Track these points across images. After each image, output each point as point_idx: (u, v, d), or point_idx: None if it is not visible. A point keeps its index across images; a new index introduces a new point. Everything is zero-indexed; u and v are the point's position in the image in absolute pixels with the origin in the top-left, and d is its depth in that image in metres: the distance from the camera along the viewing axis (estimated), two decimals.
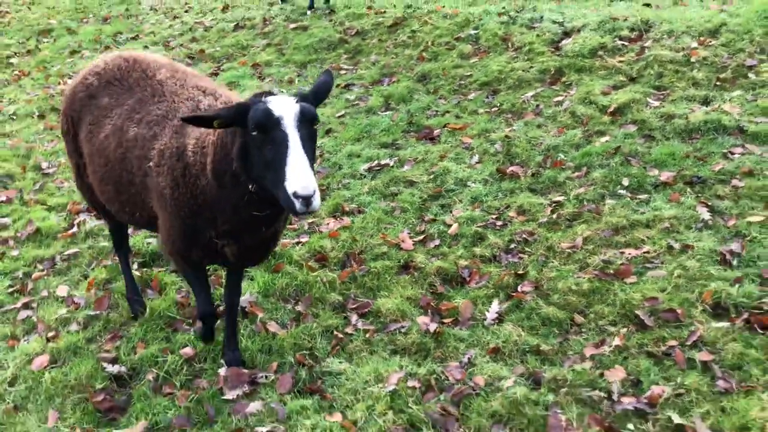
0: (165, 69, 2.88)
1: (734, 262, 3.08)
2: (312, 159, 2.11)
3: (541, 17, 5.84)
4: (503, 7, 6.25)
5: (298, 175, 1.98)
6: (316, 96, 2.29)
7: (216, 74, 6.08)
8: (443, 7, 6.64)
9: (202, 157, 2.37)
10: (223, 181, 2.28)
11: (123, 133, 2.70)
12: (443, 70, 5.45)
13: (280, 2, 7.73)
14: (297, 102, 2.12)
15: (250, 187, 2.20)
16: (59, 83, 5.97)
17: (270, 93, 2.23)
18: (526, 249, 3.39)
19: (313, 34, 6.54)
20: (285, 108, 2.09)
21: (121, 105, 2.80)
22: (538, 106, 4.75)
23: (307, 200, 1.98)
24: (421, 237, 3.59)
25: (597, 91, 4.68)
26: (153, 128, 2.62)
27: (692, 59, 4.81)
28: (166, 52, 6.67)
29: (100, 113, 2.85)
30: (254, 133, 2.10)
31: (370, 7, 6.92)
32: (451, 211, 3.79)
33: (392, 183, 4.14)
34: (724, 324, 2.74)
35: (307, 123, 2.10)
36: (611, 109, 4.46)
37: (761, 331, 2.69)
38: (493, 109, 4.85)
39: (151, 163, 2.55)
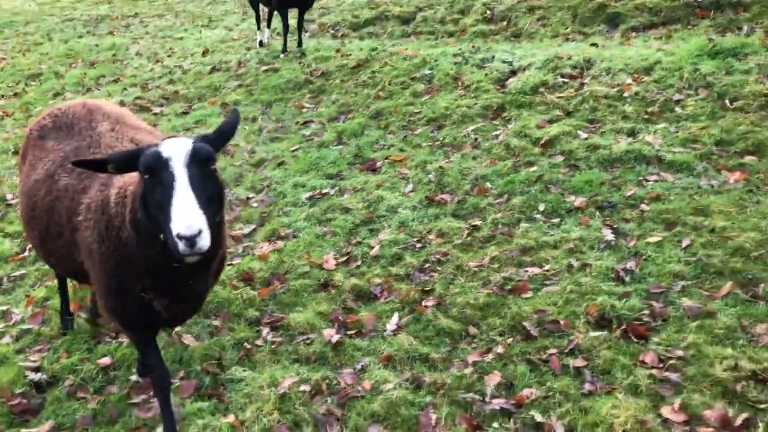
0: (109, 121, 2.89)
1: (627, 279, 3.26)
2: (208, 199, 2.05)
3: (493, 57, 6.13)
4: (460, 48, 6.56)
5: (182, 215, 1.93)
6: (220, 136, 2.26)
7: (186, 113, 6.41)
8: (406, 49, 6.97)
9: (122, 208, 2.32)
10: (139, 231, 2.21)
11: (54, 181, 2.70)
12: (396, 107, 5.73)
13: (258, 46, 8.11)
14: (191, 143, 2.09)
15: (160, 236, 2.09)
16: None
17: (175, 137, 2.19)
18: (438, 268, 3.59)
19: (282, 75, 6.88)
20: (175, 149, 2.05)
21: (59, 150, 2.81)
22: (476, 139, 4.99)
23: (190, 240, 1.92)
24: (345, 258, 3.80)
25: (532, 125, 4.92)
26: (83, 180, 2.59)
27: (625, 94, 5.05)
28: (142, 93, 7.02)
29: (39, 154, 2.88)
30: (146, 177, 2.07)
31: (338, 50, 7.26)
32: (377, 235, 4.00)
33: (329, 210, 4.36)
34: (602, 333, 2.91)
35: (200, 163, 2.06)
36: (543, 141, 4.69)
37: (635, 340, 2.86)
38: (435, 143, 5.10)
39: (80, 218, 2.53)
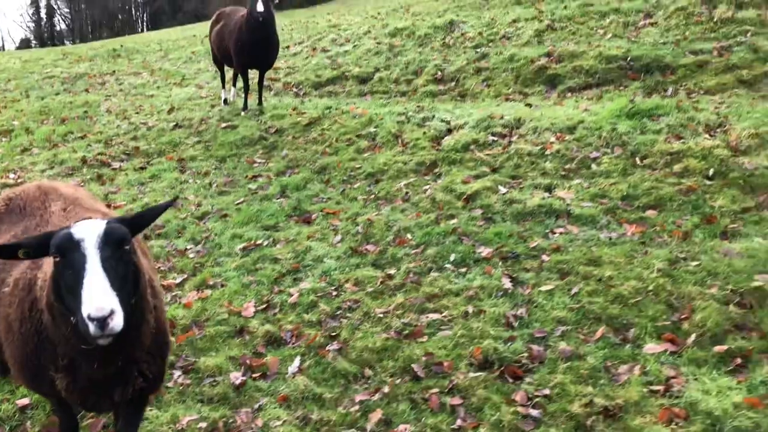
0: (62, 202, 2.90)
1: (515, 324, 3.51)
2: (121, 280, 2.04)
3: (433, 116, 6.51)
4: (405, 108, 6.95)
5: (93, 297, 1.91)
6: (138, 219, 2.23)
7: (144, 168, 6.72)
8: (357, 107, 7.35)
9: (43, 290, 2.26)
10: (53, 315, 2.18)
11: None
12: (339, 163, 6.06)
13: (222, 104, 8.50)
14: (105, 224, 2.08)
15: (72, 318, 2.06)
16: (1, 177, 6.61)
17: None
18: (348, 315, 3.84)
19: (238, 131, 7.23)
20: (87, 230, 2.04)
21: (8, 232, 2.81)
22: (407, 193, 5.29)
23: (101, 322, 1.89)
24: (265, 306, 4.04)
25: (458, 181, 5.24)
26: None
27: (547, 152, 5.40)
28: (104, 149, 7.35)
29: None
30: (57, 259, 2.04)
31: (294, 108, 7.64)
32: (299, 284, 4.25)
33: (260, 260, 4.63)
34: (482, 374, 3.15)
35: (113, 244, 2.04)
36: (466, 196, 5.00)
37: (511, 380, 3.10)
38: (370, 196, 5.40)
39: (6, 289, 2.50)
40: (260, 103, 8.04)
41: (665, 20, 7.89)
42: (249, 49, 7.62)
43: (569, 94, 6.94)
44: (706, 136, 5.08)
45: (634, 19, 8.17)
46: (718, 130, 5.14)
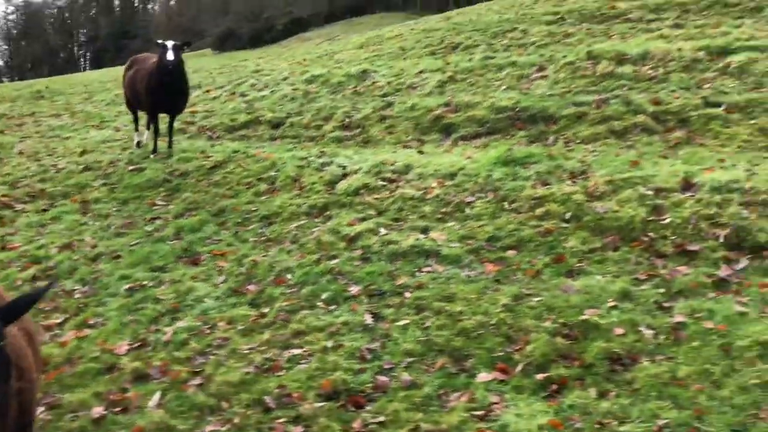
0: None
1: (368, 357, 3.78)
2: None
3: (332, 161, 6.84)
4: (308, 153, 7.27)
5: None
6: (12, 310, 2.02)
7: (46, 210, 6.80)
8: (263, 151, 7.64)
9: None
10: None
11: None
12: (236, 206, 6.30)
13: (135, 147, 8.66)
14: None
15: None
16: None
17: None
18: (216, 351, 4.04)
19: (145, 174, 7.41)
20: None
21: None
22: (296, 235, 5.56)
23: None
24: (139, 344, 4.21)
25: (345, 223, 5.55)
26: None
27: (428, 196, 5.77)
28: (9, 191, 7.40)
29: None
30: None
31: (203, 152, 7.87)
32: (176, 323, 4.43)
33: (142, 300, 4.79)
34: (328, 404, 3.40)
35: None
36: (349, 237, 5.30)
37: (353, 409, 3.36)
38: (261, 238, 5.64)
39: None
40: (170, 146, 8.25)
41: (555, 73, 8.50)
42: (159, 95, 7.86)
43: (461, 142, 7.39)
44: (569, 182, 5.54)
45: (527, 72, 8.77)
46: (581, 177, 5.61)
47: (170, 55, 7.48)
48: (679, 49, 8.07)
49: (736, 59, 7.56)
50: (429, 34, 13.59)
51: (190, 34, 71.86)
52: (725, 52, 7.83)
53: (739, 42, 8.01)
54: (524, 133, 7.25)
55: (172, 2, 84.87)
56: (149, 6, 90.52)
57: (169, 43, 7.60)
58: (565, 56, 8.88)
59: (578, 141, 6.79)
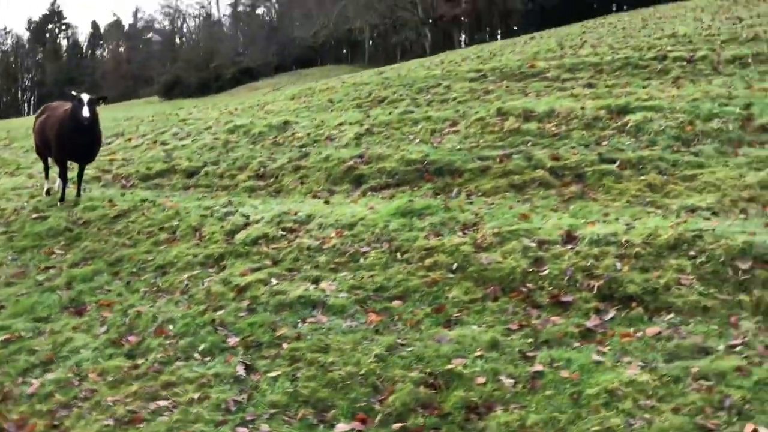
0: None
1: (233, 409, 3.75)
2: None
3: (236, 211, 6.85)
4: (214, 202, 7.27)
5: None
6: None
7: None
8: (171, 201, 7.60)
9: None
10: None
11: None
12: (134, 255, 6.22)
13: (44, 194, 8.51)
14: None
15: None
16: None
17: None
18: (80, 404, 3.94)
19: (47, 222, 7.27)
20: None
21: None
22: (187, 285, 5.52)
23: None
24: (2, 397, 4.07)
25: (237, 273, 5.53)
26: None
27: (324, 246, 5.81)
28: None
29: None
30: None
31: (110, 200, 7.79)
32: (46, 375, 4.31)
33: (17, 351, 4.65)
34: None
35: None
36: (239, 288, 5.28)
37: None
38: (153, 288, 5.57)
39: None
40: (78, 194, 8.13)
41: (466, 128, 8.77)
42: (70, 145, 7.74)
43: (370, 193, 7.50)
44: (460, 233, 5.67)
45: (441, 127, 9.03)
46: (472, 228, 5.76)
47: (86, 112, 7.25)
48: (582, 108, 8.46)
49: (633, 118, 7.96)
50: (358, 87, 13.89)
51: (139, 81, 71.62)
52: (625, 111, 8.23)
53: (638, 102, 8.44)
54: (430, 185, 7.41)
55: (121, 49, 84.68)
56: (98, 52, 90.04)
57: (85, 97, 7.37)
58: (477, 112, 9.19)
59: (480, 194, 6.98)
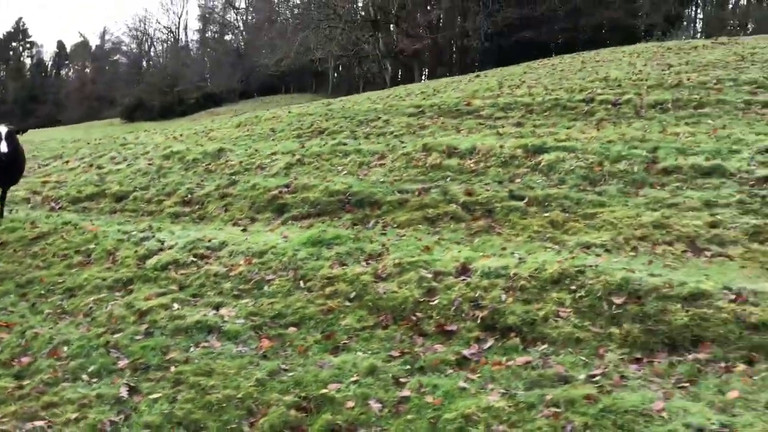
0: None
1: (108, 429, 3.84)
2: None
3: (153, 236, 6.95)
4: (135, 227, 7.36)
5: None
6: None
7: None
8: (92, 224, 7.66)
9: None
10: None
11: None
12: (45, 277, 6.27)
13: None
14: None
15: None
16: None
17: None
18: None
19: None
20: None
21: None
22: (91, 308, 5.59)
23: None
24: None
25: (141, 297, 5.63)
26: None
27: (232, 273, 5.95)
28: None
29: None
30: None
31: (32, 222, 7.82)
32: None
33: None
34: None
35: None
36: (141, 312, 5.38)
37: None
38: (57, 311, 5.63)
39: None
40: (1, 216, 8.13)
41: (392, 162, 9.04)
42: None
43: (291, 222, 7.68)
44: (364, 263, 5.87)
45: (369, 159, 9.28)
46: (376, 259, 5.96)
47: (4, 147, 7.11)
48: (501, 146, 8.80)
49: (547, 157, 8.32)
50: (302, 117, 14.14)
51: (104, 102, 70.82)
52: (541, 150, 8.59)
53: (554, 142, 8.82)
54: (350, 216, 7.62)
55: (87, 69, 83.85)
56: (63, 72, 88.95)
57: (3, 130, 7.21)
58: (404, 146, 9.48)
59: (395, 225, 7.21)
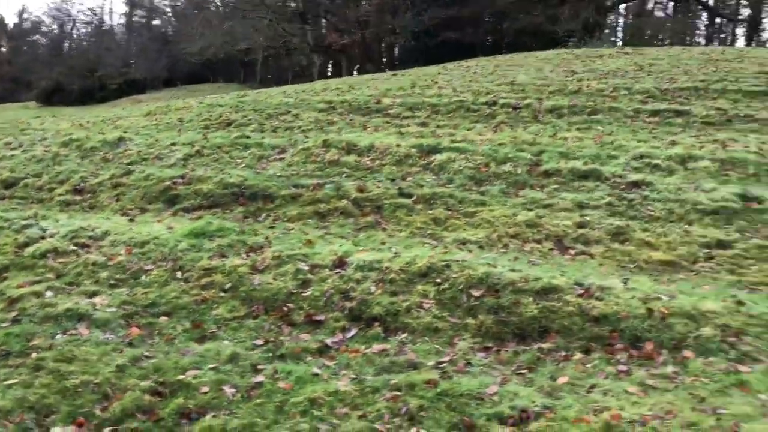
0: None
1: None
2: None
3: (36, 224, 6.86)
4: (18, 215, 7.24)
5: None
6: None
7: None
8: None
9: None
10: None
11: None
12: None
13: None
14: None
15: None
16: None
17: None
18: None
19: None
20: None
21: None
22: None
23: None
24: None
25: (14, 285, 5.59)
26: None
27: (110, 263, 5.96)
28: None
29: None
30: None
31: None
32: None
33: None
34: None
35: None
36: (11, 299, 5.34)
37: None
38: None
39: None
40: None
41: (292, 156, 9.17)
42: None
43: (181, 213, 7.70)
44: (244, 256, 6.00)
45: (269, 153, 9.38)
46: (257, 252, 6.10)
47: None
48: (398, 145, 9.08)
49: (439, 157, 8.64)
50: (212, 108, 14.04)
51: (21, 84, 67.60)
52: (434, 150, 8.91)
53: (448, 143, 9.16)
54: (242, 209, 7.71)
55: (2, 49, 79.82)
56: None
57: None
58: (306, 141, 9.63)
59: (285, 219, 7.36)
